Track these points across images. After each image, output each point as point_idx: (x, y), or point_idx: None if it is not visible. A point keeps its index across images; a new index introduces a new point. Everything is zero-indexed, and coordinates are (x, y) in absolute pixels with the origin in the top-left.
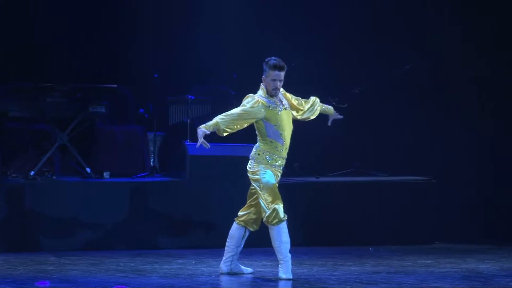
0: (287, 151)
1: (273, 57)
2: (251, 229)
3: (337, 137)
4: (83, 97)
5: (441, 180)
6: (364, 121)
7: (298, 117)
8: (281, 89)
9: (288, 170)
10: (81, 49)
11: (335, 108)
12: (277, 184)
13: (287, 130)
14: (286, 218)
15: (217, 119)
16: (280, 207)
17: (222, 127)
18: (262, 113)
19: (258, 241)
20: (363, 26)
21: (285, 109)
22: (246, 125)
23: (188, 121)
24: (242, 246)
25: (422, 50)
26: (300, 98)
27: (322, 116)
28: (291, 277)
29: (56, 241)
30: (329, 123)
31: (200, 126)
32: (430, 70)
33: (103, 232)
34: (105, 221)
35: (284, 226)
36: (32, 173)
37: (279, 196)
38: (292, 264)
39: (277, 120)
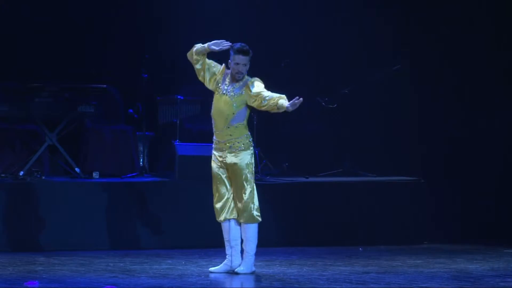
0: (221, 134)
1: (239, 42)
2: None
3: (326, 137)
4: (71, 97)
5: (430, 180)
6: (353, 121)
7: (251, 104)
8: (250, 80)
9: (278, 170)
10: (70, 49)
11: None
12: (219, 175)
13: (218, 113)
14: (222, 219)
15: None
16: (215, 208)
17: (195, 49)
18: (211, 80)
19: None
20: (353, 26)
21: (226, 94)
22: (201, 68)
23: (178, 121)
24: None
25: (410, 51)
26: (264, 91)
27: (314, 117)
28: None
29: (45, 241)
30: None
31: None
32: (418, 71)
33: (92, 232)
34: (94, 221)
35: (221, 225)
36: (21, 173)
37: (219, 194)
38: (282, 265)
39: (214, 102)
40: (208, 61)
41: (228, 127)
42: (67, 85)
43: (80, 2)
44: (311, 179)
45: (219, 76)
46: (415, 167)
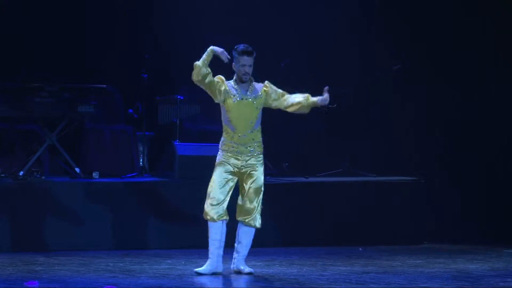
0: (243, 139)
1: (242, 44)
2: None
3: (326, 137)
4: (71, 97)
5: (430, 180)
6: (353, 121)
7: (273, 107)
8: (266, 82)
9: (277, 170)
10: (70, 49)
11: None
12: (224, 180)
13: (241, 119)
14: (217, 219)
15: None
16: (208, 206)
17: (203, 69)
18: (220, 91)
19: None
20: (352, 27)
21: (246, 99)
22: (208, 84)
23: (178, 121)
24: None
25: (409, 51)
26: (284, 92)
27: (314, 117)
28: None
29: (45, 241)
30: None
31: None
32: (418, 70)
33: (92, 232)
34: (94, 221)
35: (211, 225)
36: (21, 173)
37: (218, 192)
38: (282, 265)
39: (230, 107)
40: (212, 85)
41: (252, 131)
42: (67, 85)
43: (80, 2)
44: (311, 179)
45: (224, 84)
46: (415, 167)
